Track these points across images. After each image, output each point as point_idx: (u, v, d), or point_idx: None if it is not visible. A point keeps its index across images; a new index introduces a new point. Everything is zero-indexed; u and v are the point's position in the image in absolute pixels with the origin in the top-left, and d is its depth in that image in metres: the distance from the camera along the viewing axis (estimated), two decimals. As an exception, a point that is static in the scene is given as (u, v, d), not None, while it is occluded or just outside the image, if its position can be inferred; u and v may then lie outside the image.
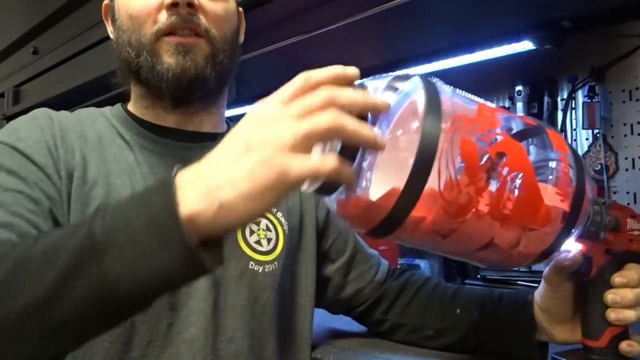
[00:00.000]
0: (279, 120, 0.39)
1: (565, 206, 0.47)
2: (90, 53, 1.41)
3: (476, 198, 0.43)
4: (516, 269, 1.14)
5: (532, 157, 0.47)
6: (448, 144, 0.41)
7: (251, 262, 0.66)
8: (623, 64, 1.11)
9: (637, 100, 1.10)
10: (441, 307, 0.72)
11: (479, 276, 1.23)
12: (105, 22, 0.72)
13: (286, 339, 0.69)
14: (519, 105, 1.22)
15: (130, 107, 0.70)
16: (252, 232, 0.67)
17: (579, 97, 1.17)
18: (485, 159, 0.43)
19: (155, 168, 0.64)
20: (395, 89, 0.45)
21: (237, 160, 0.38)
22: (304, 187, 0.46)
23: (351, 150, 0.41)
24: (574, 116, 1.18)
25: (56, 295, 0.38)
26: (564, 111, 1.18)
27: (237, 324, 0.63)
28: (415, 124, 0.41)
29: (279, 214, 0.71)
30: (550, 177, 0.47)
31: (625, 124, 1.11)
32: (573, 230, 0.49)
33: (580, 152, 1.17)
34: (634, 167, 1.10)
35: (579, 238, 0.53)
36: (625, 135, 1.11)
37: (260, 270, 0.66)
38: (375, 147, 0.40)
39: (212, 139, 0.69)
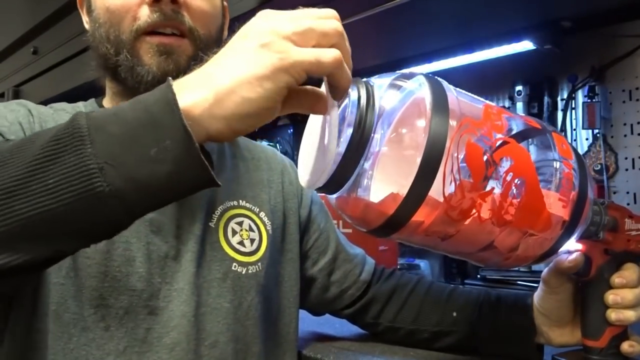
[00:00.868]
0: (281, 16, 0.37)
1: (567, 212, 0.47)
2: (90, 53, 1.40)
3: (479, 202, 0.42)
4: (516, 269, 1.14)
5: (534, 157, 0.47)
6: (454, 146, 0.40)
7: (234, 264, 0.63)
8: (623, 64, 1.11)
9: (637, 100, 1.10)
10: (436, 310, 0.71)
11: (478, 276, 1.23)
12: (80, 12, 0.68)
13: (271, 343, 0.68)
14: (519, 105, 1.22)
15: (106, 103, 0.67)
16: (234, 233, 0.65)
17: (579, 97, 1.17)
18: (490, 163, 0.43)
19: None
20: (399, 87, 0.44)
21: (235, 48, 0.37)
22: (305, 184, 0.46)
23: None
24: (574, 116, 1.18)
25: (25, 184, 0.34)
26: (564, 111, 1.18)
27: (221, 327, 0.61)
28: (422, 123, 0.41)
29: (262, 214, 0.69)
30: (553, 182, 0.47)
31: (625, 124, 1.11)
32: (573, 233, 0.49)
33: (580, 152, 1.16)
34: (634, 167, 1.10)
35: (579, 238, 0.53)
36: (625, 135, 1.11)
37: (243, 272, 0.64)
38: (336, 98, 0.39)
39: None
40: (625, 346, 0.57)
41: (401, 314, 0.74)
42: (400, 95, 0.44)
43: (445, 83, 0.44)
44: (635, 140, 1.10)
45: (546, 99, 1.21)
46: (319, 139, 0.41)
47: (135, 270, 0.57)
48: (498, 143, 0.43)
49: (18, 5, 1.84)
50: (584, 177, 0.48)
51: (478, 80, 1.30)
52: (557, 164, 0.47)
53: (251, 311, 0.64)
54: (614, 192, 1.12)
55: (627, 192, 1.11)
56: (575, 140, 1.18)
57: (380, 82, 0.44)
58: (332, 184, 0.42)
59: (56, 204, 0.34)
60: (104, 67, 0.63)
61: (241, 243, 0.65)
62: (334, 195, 0.45)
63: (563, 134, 1.17)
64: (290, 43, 0.36)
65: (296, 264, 0.72)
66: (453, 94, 0.43)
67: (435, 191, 0.40)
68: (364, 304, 0.76)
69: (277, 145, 1.73)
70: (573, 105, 1.18)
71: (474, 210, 0.42)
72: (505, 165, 0.43)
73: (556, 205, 0.46)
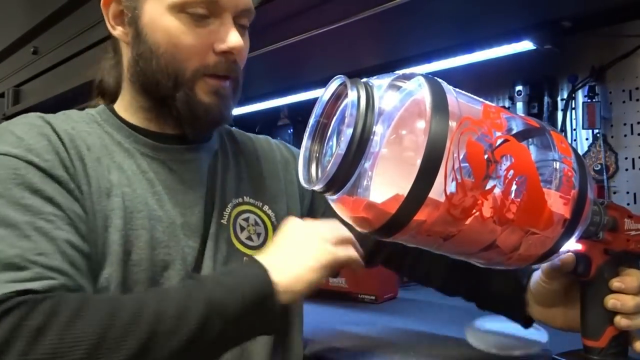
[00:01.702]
0: (320, 228, 0.58)
1: (568, 210, 0.47)
2: (90, 53, 1.41)
3: (481, 201, 0.42)
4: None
5: (534, 157, 0.47)
6: (454, 145, 0.41)
7: (245, 258, 0.66)
8: (623, 64, 1.11)
9: (637, 100, 1.10)
10: (444, 268, 0.77)
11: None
12: (108, 19, 0.66)
13: (277, 339, 0.68)
14: (519, 105, 1.22)
15: (125, 113, 0.67)
16: (242, 229, 0.68)
17: (579, 97, 1.17)
18: (491, 161, 0.43)
19: (160, 174, 0.63)
20: (399, 88, 0.44)
21: (301, 248, 0.56)
22: (307, 185, 0.46)
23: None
24: (574, 116, 1.18)
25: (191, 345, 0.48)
26: (564, 111, 1.18)
27: None
28: (422, 124, 0.41)
29: (265, 207, 0.71)
30: (554, 180, 0.47)
31: (625, 124, 1.11)
32: (574, 232, 0.49)
33: (580, 152, 1.16)
34: (634, 167, 1.10)
35: (579, 238, 0.53)
36: (625, 135, 1.11)
37: None
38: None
39: (208, 139, 0.70)
40: (638, 345, 0.58)
41: (415, 270, 0.81)
42: (400, 96, 0.44)
43: (444, 83, 0.44)
44: (635, 140, 1.10)
45: (546, 99, 1.21)
46: None
47: (177, 273, 0.60)
48: (499, 141, 0.43)
49: (18, 5, 1.84)
50: (583, 176, 0.48)
51: (478, 80, 1.30)
52: (557, 164, 0.47)
53: None
54: (614, 192, 1.12)
55: (627, 192, 1.11)
56: (575, 140, 1.18)
57: (379, 83, 0.44)
58: (333, 185, 0.42)
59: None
60: (149, 91, 0.64)
61: (249, 238, 0.68)
62: (335, 196, 0.45)
63: (563, 134, 1.17)
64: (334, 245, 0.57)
65: None
66: (452, 94, 0.43)
67: (437, 190, 0.40)
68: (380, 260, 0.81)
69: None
70: (573, 105, 1.18)
71: (475, 209, 0.42)
72: (506, 163, 0.43)
73: (557, 203, 0.46)
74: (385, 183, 0.43)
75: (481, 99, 0.47)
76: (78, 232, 0.53)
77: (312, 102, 0.51)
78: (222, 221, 0.66)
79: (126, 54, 0.66)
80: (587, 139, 1.17)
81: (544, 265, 0.61)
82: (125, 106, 0.67)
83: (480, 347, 0.74)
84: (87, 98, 0.70)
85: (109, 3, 0.65)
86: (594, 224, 0.55)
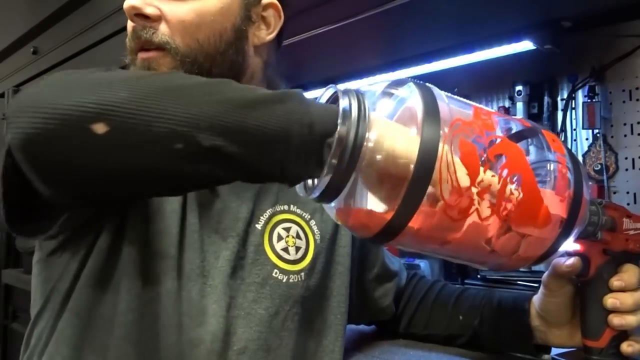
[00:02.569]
0: None
1: (564, 208, 0.47)
2: (90, 53, 1.41)
3: (478, 200, 0.42)
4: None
5: (530, 158, 0.47)
6: (447, 148, 0.41)
7: (275, 270, 0.61)
8: (623, 64, 1.11)
9: (637, 100, 1.10)
10: (444, 316, 0.73)
11: (478, 276, 1.23)
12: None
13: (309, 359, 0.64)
14: (519, 105, 1.22)
15: None
16: (280, 238, 0.62)
17: (579, 97, 1.17)
18: (485, 161, 0.43)
19: None
20: (390, 95, 0.45)
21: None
22: (303, 193, 0.46)
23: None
24: (574, 116, 1.18)
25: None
26: (564, 111, 1.18)
27: (252, 334, 0.58)
28: (414, 132, 0.41)
29: (312, 222, 0.66)
30: (548, 179, 0.47)
31: (625, 124, 1.11)
32: (572, 231, 0.49)
33: (580, 152, 1.17)
34: (634, 167, 1.10)
35: (577, 238, 0.53)
36: (625, 135, 1.11)
37: (284, 280, 0.61)
38: None
39: None
40: (625, 346, 0.57)
41: (413, 321, 0.76)
42: (393, 103, 0.44)
43: (435, 88, 0.45)
44: (635, 140, 1.10)
45: (546, 99, 1.21)
46: None
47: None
48: (490, 140, 0.44)
49: (18, 5, 1.84)
50: (578, 174, 0.49)
51: (478, 80, 1.30)
52: (551, 165, 0.48)
53: (287, 322, 0.61)
54: (614, 192, 1.12)
55: (627, 192, 1.11)
56: (575, 140, 1.18)
57: (372, 90, 0.45)
58: (328, 194, 0.42)
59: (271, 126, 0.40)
60: None
61: (285, 250, 0.63)
62: (332, 204, 0.45)
63: (563, 134, 1.17)
64: None
65: (346, 278, 0.68)
66: (443, 99, 0.44)
67: (432, 192, 0.41)
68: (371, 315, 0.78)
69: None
70: (573, 105, 1.18)
71: (472, 209, 0.43)
72: (500, 162, 0.44)
73: (553, 202, 0.46)
74: (381, 190, 0.43)
75: (472, 102, 0.47)
76: None
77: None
78: (256, 225, 0.62)
79: None
80: (587, 139, 1.17)
81: (545, 278, 0.61)
82: None
83: None
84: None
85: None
86: (592, 223, 0.55)
